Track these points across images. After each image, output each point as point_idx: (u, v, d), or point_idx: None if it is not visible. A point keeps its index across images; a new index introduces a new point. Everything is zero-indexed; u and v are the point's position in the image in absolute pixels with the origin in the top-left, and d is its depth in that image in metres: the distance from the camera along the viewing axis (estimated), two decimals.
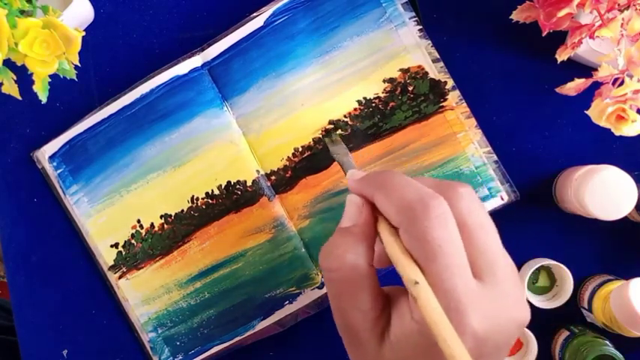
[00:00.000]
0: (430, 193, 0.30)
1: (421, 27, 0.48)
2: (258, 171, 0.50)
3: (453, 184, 0.31)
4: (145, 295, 0.52)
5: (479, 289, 0.29)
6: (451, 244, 0.28)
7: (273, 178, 0.50)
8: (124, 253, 0.52)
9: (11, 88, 0.43)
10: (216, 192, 0.50)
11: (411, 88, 0.48)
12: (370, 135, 0.49)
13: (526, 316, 0.30)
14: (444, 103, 0.48)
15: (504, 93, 0.50)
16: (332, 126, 0.49)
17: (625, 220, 0.47)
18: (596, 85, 0.40)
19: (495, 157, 0.48)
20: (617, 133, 0.39)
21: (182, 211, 0.51)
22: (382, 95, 0.49)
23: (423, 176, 0.33)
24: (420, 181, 0.32)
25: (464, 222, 0.30)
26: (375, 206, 0.33)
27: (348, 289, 0.31)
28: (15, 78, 0.43)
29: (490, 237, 0.30)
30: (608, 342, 0.46)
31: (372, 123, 0.49)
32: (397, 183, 0.31)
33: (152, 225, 0.51)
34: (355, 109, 0.49)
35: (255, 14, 0.50)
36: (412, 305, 0.29)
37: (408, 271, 0.29)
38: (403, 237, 0.30)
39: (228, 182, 0.50)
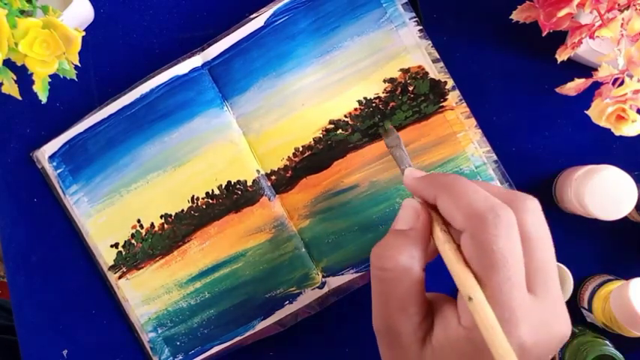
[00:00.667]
0: (499, 203, 0.30)
1: (421, 27, 0.48)
2: (258, 171, 0.50)
3: (521, 196, 0.32)
4: (145, 295, 0.52)
5: (531, 302, 0.30)
6: (514, 257, 0.29)
7: (273, 178, 0.50)
8: (124, 253, 0.52)
9: (11, 88, 0.43)
10: (217, 192, 0.50)
11: (411, 88, 0.48)
12: (371, 135, 0.49)
13: (568, 331, 0.31)
14: (444, 103, 0.48)
15: (504, 93, 0.50)
16: (332, 126, 0.49)
17: (625, 220, 0.47)
18: (596, 85, 0.40)
19: (495, 157, 0.48)
20: (617, 133, 0.39)
21: (182, 211, 0.51)
22: (382, 95, 0.49)
23: (489, 183, 0.34)
24: (489, 189, 0.32)
25: (528, 235, 0.30)
26: (431, 211, 0.33)
27: (398, 291, 0.32)
28: (15, 78, 0.43)
29: (549, 253, 0.31)
30: (608, 342, 0.46)
31: (372, 123, 0.49)
32: (465, 188, 0.32)
33: (152, 225, 0.51)
34: (355, 109, 0.49)
35: (255, 14, 0.50)
36: (461, 311, 0.30)
37: (467, 282, 0.29)
38: (466, 243, 0.30)
39: (229, 182, 0.50)
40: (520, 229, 0.30)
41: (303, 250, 0.50)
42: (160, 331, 0.52)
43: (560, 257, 0.49)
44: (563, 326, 0.31)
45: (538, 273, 0.30)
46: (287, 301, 0.50)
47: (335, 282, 0.50)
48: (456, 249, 0.31)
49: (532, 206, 0.31)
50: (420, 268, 0.32)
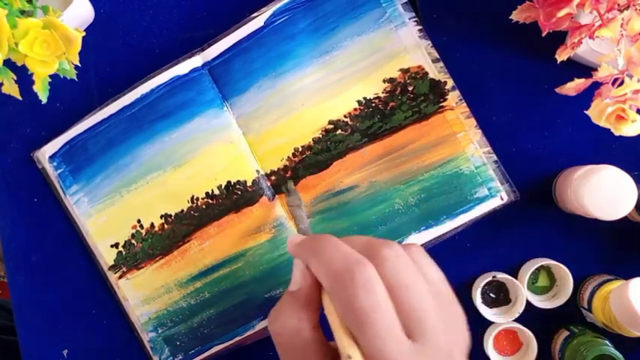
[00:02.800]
0: (356, 259, 0.30)
1: (421, 27, 0.48)
2: (258, 171, 0.50)
3: (378, 245, 0.31)
4: (145, 295, 0.52)
5: (411, 350, 0.29)
6: (379, 312, 0.29)
7: (273, 178, 0.50)
8: (124, 253, 0.52)
9: (11, 88, 0.43)
10: (216, 192, 0.50)
11: (411, 88, 0.48)
12: (370, 135, 0.49)
13: None
14: (443, 103, 0.48)
15: (504, 93, 0.50)
16: (332, 126, 0.49)
17: (625, 220, 0.47)
18: (596, 85, 0.40)
19: (495, 157, 0.48)
20: (616, 133, 0.39)
21: (182, 211, 0.51)
22: (382, 95, 0.49)
23: (357, 236, 0.33)
24: (351, 243, 0.32)
25: (390, 284, 0.30)
26: None
27: (294, 353, 0.32)
28: (15, 78, 0.43)
29: (416, 296, 0.30)
30: (607, 342, 0.46)
31: (372, 123, 0.49)
32: (327, 249, 0.32)
33: (152, 225, 0.51)
34: (355, 109, 0.49)
35: (255, 14, 0.50)
36: None
37: (343, 342, 0.30)
38: (335, 305, 0.30)
39: (228, 182, 0.50)
40: (382, 279, 0.30)
41: None
42: (160, 331, 0.52)
43: (560, 257, 0.49)
44: None
45: (410, 319, 0.30)
46: None
47: None
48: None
49: (389, 254, 0.31)
50: (310, 328, 0.32)
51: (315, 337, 0.32)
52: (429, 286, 0.32)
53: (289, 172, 0.50)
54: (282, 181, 0.49)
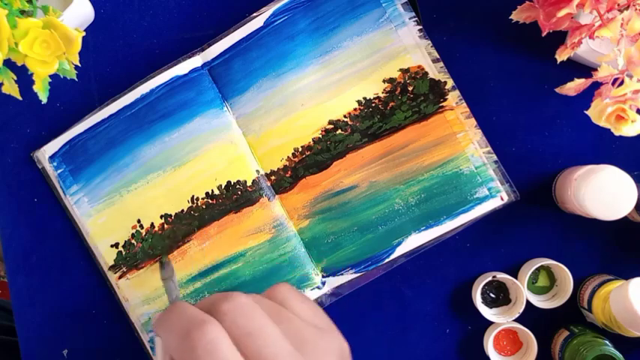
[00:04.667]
0: (196, 323, 0.29)
1: (421, 27, 0.48)
2: (258, 171, 0.50)
3: (217, 301, 0.30)
4: (145, 295, 0.52)
5: None
6: None
7: (273, 178, 0.50)
8: (124, 253, 0.52)
9: (11, 88, 0.43)
10: (216, 192, 0.50)
11: (410, 88, 0.48)
12: (370, 135, 0.49)
13: None
14: (443, 103, 0.48)
15: (504, 93, 0.50)
16: (332, 126, 0.49)
17: (625, 220, 0.47)
18: (596, 85, 0.40)
19: (495, 157, 0.48)
20: (616, 133, 0.39)
21: (182, 211, 0.51)
22: (382, 95, 0.49)
23: (212, 295, 0.32)
24: (201, 302, 0.31)
25: (234, 337, 0.29)
26: None
27: None
28: (15, 78, 0.43)
29: (258, 343, 0.29)
30: (607, 342, 0.46)
31: (371, 123, 0.49)
32: (171, 317, 0.30)
33: (152, 225, 0.51)
34: (355, 109, 0.49)
35: (255, 14, 0.50)
36: None
37: None
38: None
39: (228, 182, 0.50)
40: (228, 333, 0.29)
41: (303, 250, 0.50)
42: None
43: (560, 257, 0.49)
44: None
45: None
46: None
47: (334, 282, 0.50)
48: None
49: (227, 307, 0.30)
50: None
51: None
52: (289, 324, 0.31)
53: (289, 172, 0.50)
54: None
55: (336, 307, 0.52)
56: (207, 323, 0.29)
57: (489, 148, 0.48)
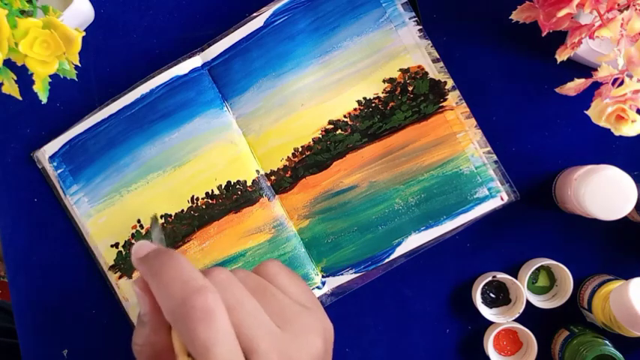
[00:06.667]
0: (196, 287, 0.28)
1: (421, 27, 0.48)
2: (258, 171, 0.50)
3: (212, 271, 0.30)
4: None
5: None
6: (219, 343, 0.28)
7: (273, 178, 0.50)
8: (124, 252, 0.52)
9: (11, 88, 0.43)
10: (216, 192, 0.50)
11: (410, 88, 0.48)
12: (370, 135, 0.49)
13: None
14: (443, 103, 0.48)
15: (504, 93, 0.50)
16: (332, 126, 0.49)
17: (625, 220, 0.47)
18: (596, 85, 0.40)
19: (495, 157, 0.48)
20: (616, 133, 0.39)
21: (182, 211, 0.51)
22: (382, 95, 0.49)
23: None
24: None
25: (229, 308, 0.29)
26: None
27: None
28: (15, 78, 0.43)
29: (243, 315, 0.29)
30: (607, 342, 0.46)
31: (371, 123, 0.49)
32: (168, 270, 0.29)
33: None
34: (355, 109, 0.49)
35: (255, 14, 0.50)
36: None
37: None
38: (177, 334, 0.29)
39: (228, 182, 0.50)
40: (223, 302, 0.29)
41: (303, 250, 0.50)
42: None
43: (560, 257, 0.49)
44: None
45: (240, 339, 0.28)
46: None
47: (334, 282, 0.50)
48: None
49: (221, 279, 0.30)
50: (164, 349, 0.30)
51: (163, 355, 0.31)
52: (273, 299, 0.31)
53: (289, 172, 0.50)
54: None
55: (336, 307, 0.52)
56: (208, 289, 0.28)
57: (489, 148, 0.48)
